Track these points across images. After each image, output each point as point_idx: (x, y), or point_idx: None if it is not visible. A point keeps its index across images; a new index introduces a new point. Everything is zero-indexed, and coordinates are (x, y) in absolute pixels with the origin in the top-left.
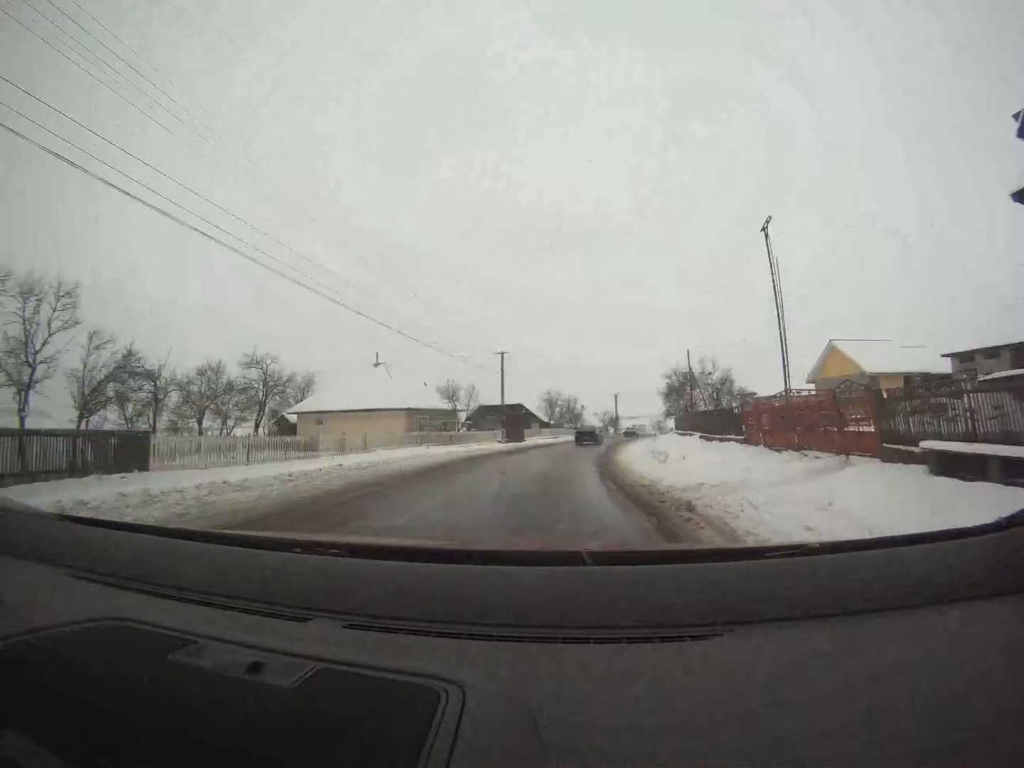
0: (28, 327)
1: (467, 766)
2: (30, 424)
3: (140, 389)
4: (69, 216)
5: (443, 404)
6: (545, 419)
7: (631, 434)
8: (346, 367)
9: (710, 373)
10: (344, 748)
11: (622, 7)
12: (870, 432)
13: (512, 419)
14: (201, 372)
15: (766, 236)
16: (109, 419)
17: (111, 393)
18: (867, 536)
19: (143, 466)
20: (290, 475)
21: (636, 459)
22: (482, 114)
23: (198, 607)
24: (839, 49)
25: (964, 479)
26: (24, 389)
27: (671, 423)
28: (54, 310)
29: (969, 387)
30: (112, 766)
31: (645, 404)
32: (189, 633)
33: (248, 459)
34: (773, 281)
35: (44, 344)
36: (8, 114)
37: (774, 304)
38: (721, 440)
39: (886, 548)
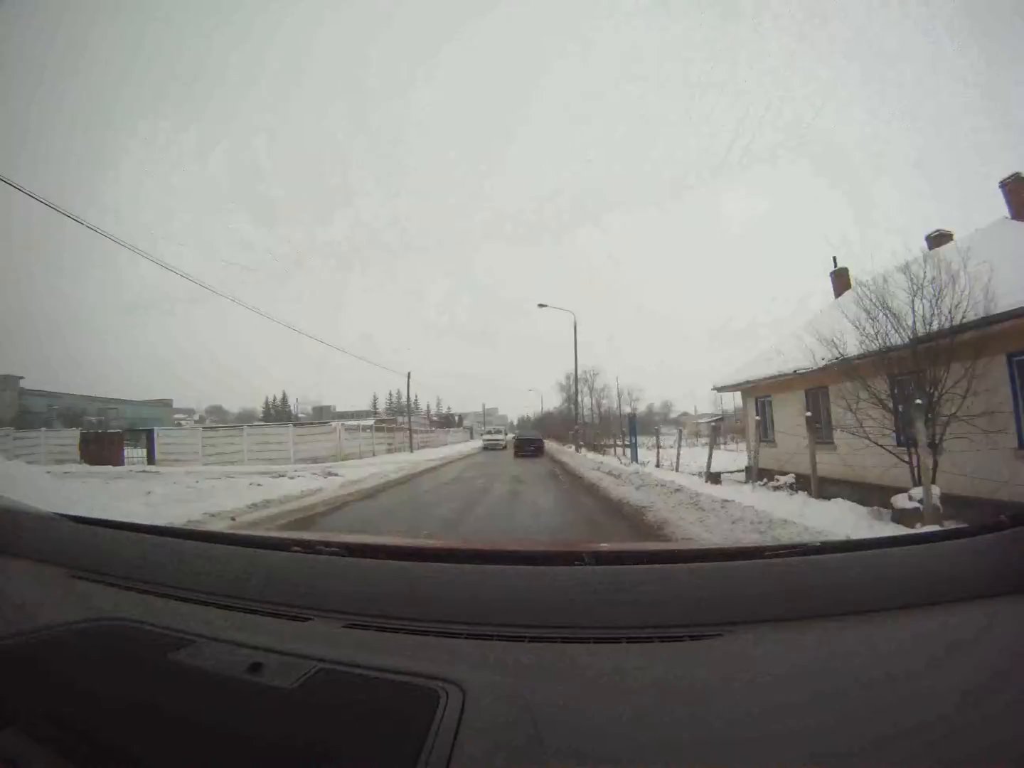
0: None
1: (467, 766)
2: None
3: None
4: None
5: None
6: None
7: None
8: None
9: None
10: (344, 748)
11: None
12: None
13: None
14: None
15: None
16: None
17: None
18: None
19: None
20: None
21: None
22: None
23: (198, 607)
24: None
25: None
26: None
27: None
28: None
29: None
30: (112, 766)
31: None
32: (189, 633)
33: None
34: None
35: None
36: None
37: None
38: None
39: (886, 548)
